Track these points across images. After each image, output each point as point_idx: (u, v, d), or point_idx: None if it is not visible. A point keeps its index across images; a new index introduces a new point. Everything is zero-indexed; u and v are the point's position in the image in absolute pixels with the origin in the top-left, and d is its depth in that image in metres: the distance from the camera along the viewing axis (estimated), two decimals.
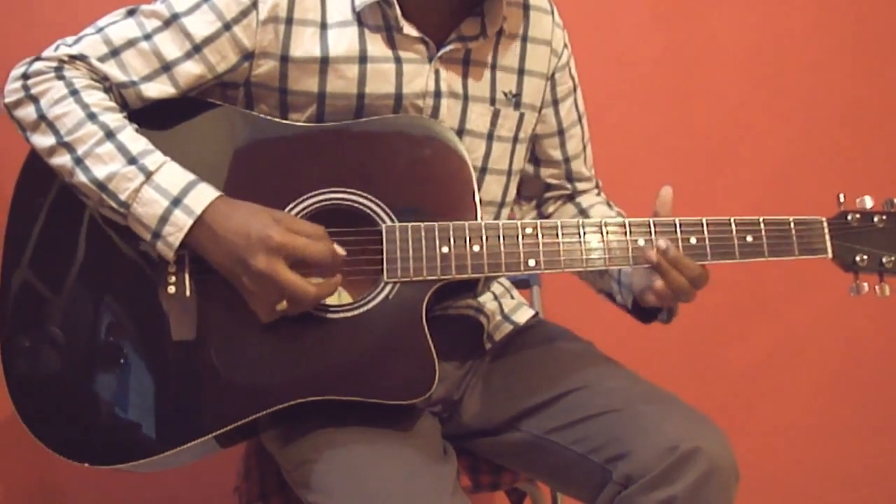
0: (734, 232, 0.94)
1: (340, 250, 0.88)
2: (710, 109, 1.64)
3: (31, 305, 0.92)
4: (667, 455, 0.87)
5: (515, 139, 1.08)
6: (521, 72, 1.06)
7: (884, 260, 0.95)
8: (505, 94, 1.05)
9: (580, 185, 1.16)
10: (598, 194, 1.19)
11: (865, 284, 0.96)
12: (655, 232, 0.94)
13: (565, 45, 1.11)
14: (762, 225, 0.94)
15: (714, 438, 0.90)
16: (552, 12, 1.10)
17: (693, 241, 0.93)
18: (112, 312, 0.92)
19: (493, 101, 1.04)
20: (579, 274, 1.15)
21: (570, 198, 1.17)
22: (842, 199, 0.97)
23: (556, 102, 1.11)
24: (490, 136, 1.05)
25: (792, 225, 0.95)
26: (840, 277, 0.98)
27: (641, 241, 0.93)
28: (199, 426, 0.89)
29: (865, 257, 0.95)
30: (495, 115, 1.04)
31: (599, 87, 1.57)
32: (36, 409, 0.90)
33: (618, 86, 1.61)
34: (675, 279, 0.92)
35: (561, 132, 1.13)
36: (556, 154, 1.13)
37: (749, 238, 0.94)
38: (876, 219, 0.96)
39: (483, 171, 1.05)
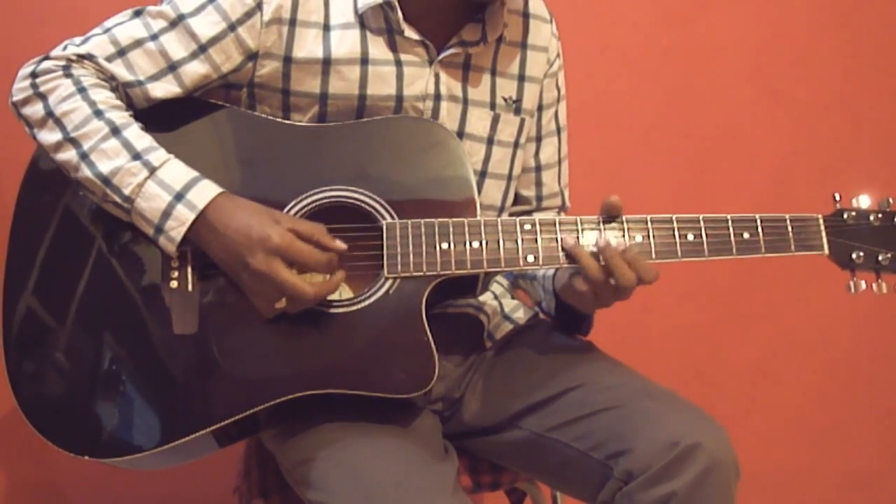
0: (731, 229, 0.94)
1: (341, 245, 0.88)
2: (708, 109, 1.65)
3: (33, 301, 0.93)
4: (667, 451, 0.87)
5: (516, 144, 1.09)
6: (521, 78, 1.08)
7: (880, 258, 0.96)
8: (505, 100, 1.06)
9: (546, 201, 1.16)
10: (559, 212, 1.18)
11: (863, 282, 0.97)
12: (652, 229, 0.94)
13: (558, 55, 1.13)
14: (759, 222, 0.95)
15: (715, 435, 0.90)
16: (551, 21, 1.12)
17: (690, 237, 0.94)
18: (114, 307, 0.92)
19: (492, 105, 1.06)
20: (520, 286, 1.17)
21: (528, 214, 1.16)
22: (838, 198, 0.98)
23: (539, 108, 1.13)
24: (490, 141, 1.06)
25: (788, 222, 0.95)
26: (839, 276, 0.99)
27: (639, 237, 0.94)
28: (199, 419, 0.89)
29: (862, 254, 0.96)
30: (495, 120, 1.06)
31: (600, 87, 1.60)
32: (37, 402, 0.90)
33: (618, 85, 1.62)
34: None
35: (539, 138, 1.14)
36: (530, 160, 1.14)
37: (746, 234, 0.95)
38: (872, 217, 0.97)
39: (483, 175, 1.07)
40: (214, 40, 0.95)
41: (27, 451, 1.40)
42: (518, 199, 1.16)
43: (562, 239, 0.93)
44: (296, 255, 0.87)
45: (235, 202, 0.90)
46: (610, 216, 0.94)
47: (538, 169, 1.15)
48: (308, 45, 0.97)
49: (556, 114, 1.15)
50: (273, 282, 0.86)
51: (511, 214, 1.16)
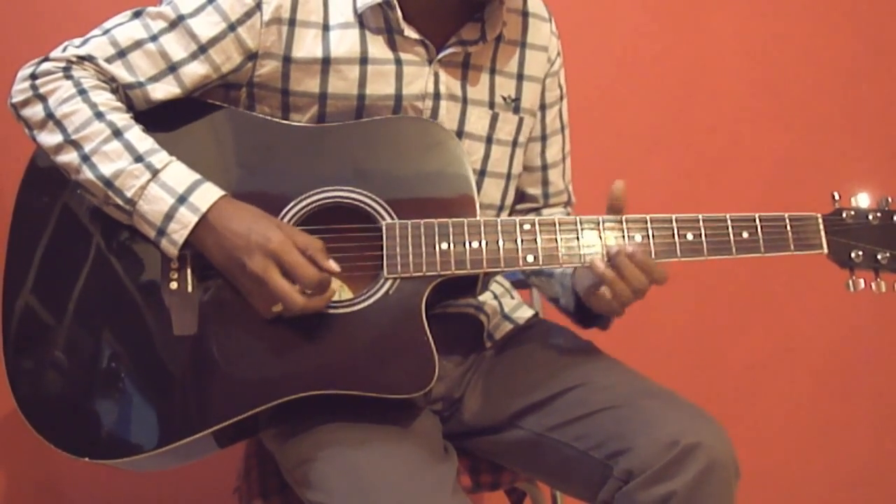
0: (730, 228, 0.95)
1: (335, 267, 0.88)
2: (708, 109, 1.65)
3: (32, 302, 0.93)
4: (667, 450, 0.88)
5: (514, 143, 1.09)
6: (520, 77, 1.08)
7: (878, 257, 0.96)
8: (504, 99, 1.07)
9: (552, 199, 1.17)
10: (565, 207, 1.19)
11: (862, 281, 0.97)
12: (651, 229, 0.94)
13: (558, 54, 1.14)
14: (758, 221, 0.95)
15: (714, 434, 0.90)
16: (550, 20, 1.12)
17: (689, 237, 0.94)
18: (114, 308, 0.92)
19: (491, 104, 1.06)
20: (533, 283, 1.17)
21: (537, 211, 1.17)
22: (836, 198, 0.98)
23: (543, 108, 1.13)
24: (489, 140, 1.06)
25: (787, 221, 0.96)
26: (838, 275, 0.99)
27: (638, 237, 0.94)
28: (199, 421, 0.90)
29: (861, 253, 0.96)
30: (494, 119, 1.06)
31: (599, 87, 1.60)
32: (37, 403, 0.90)
33: (617, 85, 1.63)
34: (630, 281, 0.91)
35: (544, 138, 1.14)
36: (536, 160, 1.15)
37: (745, 234, 0.95)
38: (870, 216, 0.97)
39: (482, 174, 1.07)
40: (214, 41, 0.95)
41: (27, 451, 1.40)
42: (525, 198, 1.17)
43: (591, 262, 0.93)
44: (290, 264, 0.87)
45: (237, 205, 0.90)
46: (615, 207, 0.94)
47: (545, 168, 1.16)
48: (307, 45, 0.97)
49: (559, 112, 1.16)
50: (267, 287, 0.87)
51: (519, 212, 1.17)
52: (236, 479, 1.13)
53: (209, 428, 0.89)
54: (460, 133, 1.04)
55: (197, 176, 0.90)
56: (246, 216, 0.89)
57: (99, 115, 0.90)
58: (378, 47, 0.99)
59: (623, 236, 0.94)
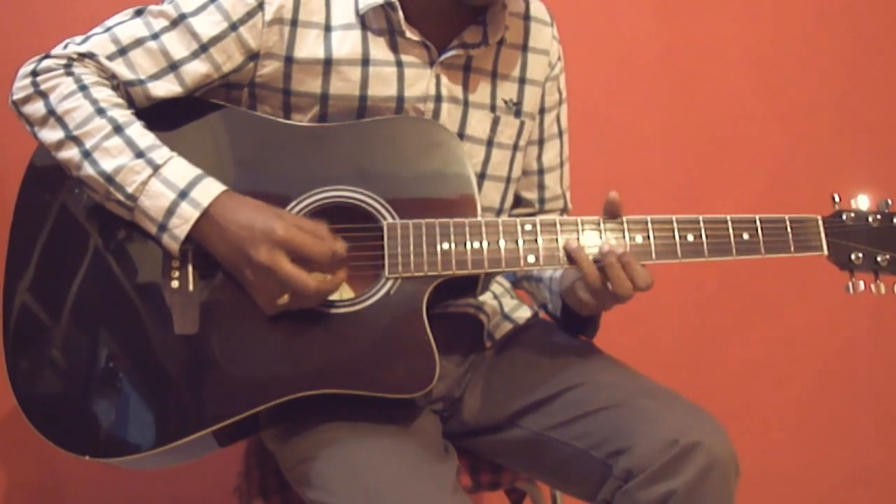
0: (730, 229, 0.95)
1: (343, 244, 0.88)
2: (708, 109, 1.66)
3: (33, 300, 0.93)
4: (667, 449, 0.88)
5: (515, 147, 1.10)
6: (522, 80, 1.08)
7: (878, 259, 0.97)
8: (505, 102, 1.07)
9: (548, 204, 1.17)
10: (561, 214, 1.19)
11: (861, 282, 0.97)
12: (652, 230, 0.95)
13: (559, 58, 1.14)
14: (758, 223, 0.95)
15: (714, 433, 0.90)
16: (552, 24, 1.13)
17: (690, 238, 0.95)
18: (115, 306, 0.92)
19: (493, 108, 1.06)
20: (524, 288, 1.17)
21: (531, 216, 1.17)
22: (837, 200, 0.98)
23: (541, 111, 1.13)
24: (490, 143, 1.07)
25: (788, 223, 0.96)
26: (837, 276, 0.99)
27: (639, 238, 0.95)
28: (200, 420, 0.89)
29: (860, 255, 0.97)
30: (495, 122, 1.06)
31: (600, 87, 1.60)
32: (37, 402, 0.90)
33: (618, 85, 1.63)
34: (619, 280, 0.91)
35: (541, 141, 1.15)
36: (533, 164, 1.15)
37: (745, 235, 0.95)
38: (870, 218, 0.97)
39: (482, 176, 1.07)
40: (216, 40, 0.95)
41: (27, 451, 1.40)
42: (520, 202, 1.17)
43: (566, 241, 0.93)
44: (299, 246, 0.87)
45: (238, 199, 0.90)
46: (611, 214, 0.95)
47: (541, 172, 1.16)
48: (309, 46, 0.97)
49: (557, 117, 1.16)
50: (276, 275, 0.86)
51: (514, 216, 1.17)
52: (236, 478, 1.13)
53: (210, 427, 0.89)
54: (461, 136, 1.04)
55: (198, 171, 0.90)
56: (248, 209, 0.89)
57: (100, 112, 0.90)
58: (380, 49, 0.99)
59: (623, 237, 0.94)
